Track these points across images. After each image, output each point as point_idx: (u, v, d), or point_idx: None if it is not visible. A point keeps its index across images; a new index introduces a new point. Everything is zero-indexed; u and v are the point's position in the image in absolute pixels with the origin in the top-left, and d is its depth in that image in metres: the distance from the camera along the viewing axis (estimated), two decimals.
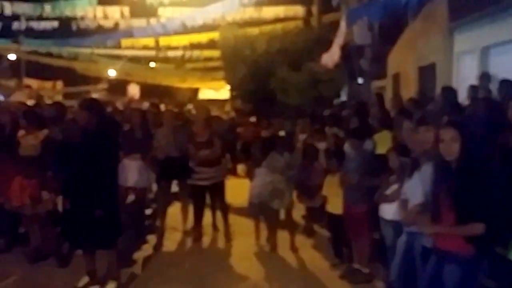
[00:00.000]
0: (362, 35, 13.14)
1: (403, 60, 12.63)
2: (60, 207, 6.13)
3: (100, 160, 4.94)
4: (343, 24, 11.30)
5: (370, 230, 5.51)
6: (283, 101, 14.86)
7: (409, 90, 11.37)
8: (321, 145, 7.50)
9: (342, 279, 5.66)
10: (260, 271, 6.02)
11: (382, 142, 6.14)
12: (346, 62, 14.27)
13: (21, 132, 6.02)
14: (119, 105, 12.56)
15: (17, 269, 5.93)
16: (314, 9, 16.44)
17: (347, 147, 6.19)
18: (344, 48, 13.08)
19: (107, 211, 4.97)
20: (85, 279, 5.30)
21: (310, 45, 15.55)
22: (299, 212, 7.63)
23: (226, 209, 7.42)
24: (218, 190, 7.24)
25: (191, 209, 7.42)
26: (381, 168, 5.23)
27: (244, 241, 7.11)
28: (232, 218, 7.62)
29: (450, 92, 7.41)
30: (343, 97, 16.93)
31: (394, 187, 4.69)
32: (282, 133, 9.29)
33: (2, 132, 6.41)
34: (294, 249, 6.70)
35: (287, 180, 6.58)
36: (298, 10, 17.57)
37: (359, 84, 14.39)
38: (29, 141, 5.91)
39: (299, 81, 14.06)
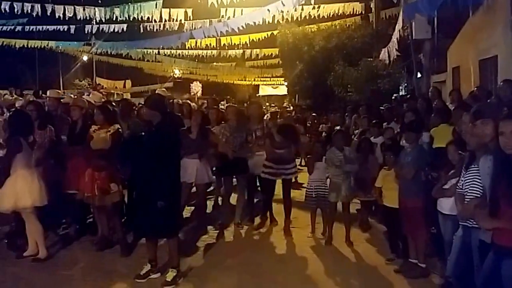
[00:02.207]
0: (422, 30, 12.96)
1: (463, 53, 12.41)
2: (125, 199, 6.62)
3: (162, 154, 5.12)
4: (401, 19, 11.32)
5: (426, 224, 5.51)
6: (341, 96, 14.99)
7: (469, 84, 11.23)
8: (378, 140, 7.62)
9: (398, 274, 5.58)
10: (316, 264, 6.03)
11: (441, 136, 6.17)
12: (404, 56, 14.17)
13: (93, 127, 6.35)
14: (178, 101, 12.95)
15: (84, 257, 6.20)
16: (373, 4, 16.41)
17: (403, 141, 6.24)
18: (403, 43, 13.04)
19: (169, 202, 5.10)
20: (147, 267, 5.48)
21: (368, 40, 15.61)
22: (354, 206, 7.68)
23: (290, 204, 7.52)
24: (289, 185, 7.50)
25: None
26: (438, 162, 5.26)
27: (300, 233, 7.24)
28: None
29: (510, 85, 7.30)
30: (402, 92, 16.82)
31: (453, 181, 4.61)
32: (338, 128, 9.50)
33: (74, 127, 6.83)
34: (349, 242, 6.72)
35: (344, 174, 6.68)
36: (356, 6, 17.58)
37: (418, 79, 14.24)
38: (101, 135, 6.22)
39: (357, 76, 14.13)
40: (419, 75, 14.38)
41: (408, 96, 12.24)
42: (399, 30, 11.43)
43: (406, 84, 17.32)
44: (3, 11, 18.28)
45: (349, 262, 6.19)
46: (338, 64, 15.29)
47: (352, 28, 17.29)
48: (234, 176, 7.84)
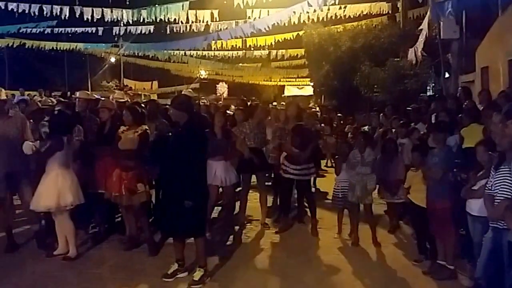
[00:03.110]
0: (450, 30, 12.78)
1: (492, 53, 12.20)
2: (153, 199, 6.68)
3: (189, 154, 5.15)
4: (429, 18, 11.18)
5: (455, 225, 5.45)
6: (367, 96, 14.89)
7: (498, 84, 11.05)
8: (405, 140, 7.53)
9: (426, 275, 5.55)
10: (343, 265, 6.03)
11: (470, 136, 6.11)
12: (432, 56, 13.99)
13: (122, 128, 6.43)
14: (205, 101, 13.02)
15: (113, 256, 6.28)
16: (400, 4, 16.25)
17: (430, 141, 6.17)
18: (431, 43, 12.87)
19: (196, 202, 5.14)
20: (175, 266, 5.54)
21: (395, 40, 15.46)
22: (381, 207, 7.70)
23: (314, 204, 7.48)
24: (305, 186, 7.50)
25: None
26: (468, 163, 5.20)
27: (327, 234, 7.23)
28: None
29: None
30: (429, 92, 16.63)
31: (482, 182, 4.57)
32: (365, 128, 9.44)
33: (103, 128, 6.95)
34: (376, 244, 6.69)
35: (358, 175, 6.62)
36: (383, 6, 17.42)
37: (446, 79, 14.06)
38: (129, 136, 6.29)
39: (384, 76, 14.02)
40: (447, 75, 14.20)
41: (437, 96, 12.10)
42: (427, 30, 11.28)
43: (433, 84, 17.11)
44: (32, 14, 18.69)
45: (376, 263, 6.18)
46: (364, 64, 15.20)
47: (379, 28, 17.13)
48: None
